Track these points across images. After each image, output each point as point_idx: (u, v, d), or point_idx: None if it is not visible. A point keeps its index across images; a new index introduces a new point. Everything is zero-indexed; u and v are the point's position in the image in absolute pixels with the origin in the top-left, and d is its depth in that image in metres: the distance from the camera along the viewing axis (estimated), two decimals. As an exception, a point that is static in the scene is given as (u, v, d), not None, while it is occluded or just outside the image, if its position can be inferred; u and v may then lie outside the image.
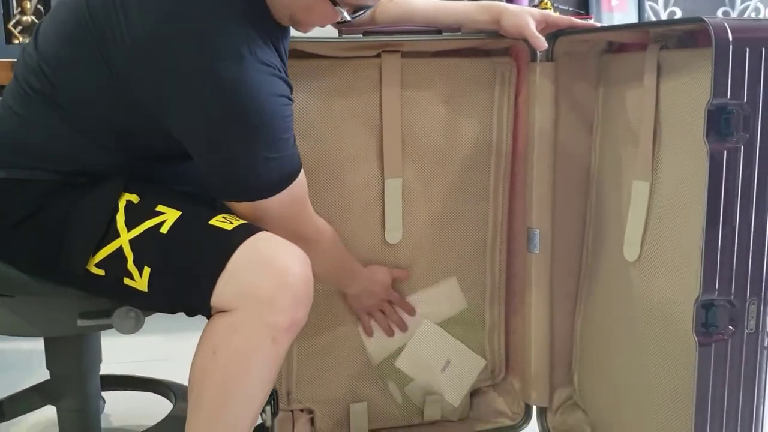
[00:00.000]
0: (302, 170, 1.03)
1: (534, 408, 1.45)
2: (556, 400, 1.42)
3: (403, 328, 1.38)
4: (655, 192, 1.14)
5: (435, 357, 1.41)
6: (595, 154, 1.32)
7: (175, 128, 0.96)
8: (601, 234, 1.31)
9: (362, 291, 1.31)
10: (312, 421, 1.38)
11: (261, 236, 0.96)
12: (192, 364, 0.96)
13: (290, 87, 0.99)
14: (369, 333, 1.37)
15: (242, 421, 0.95)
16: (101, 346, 1.29)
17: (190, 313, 1.00)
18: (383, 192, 1.30)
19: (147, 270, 0.96)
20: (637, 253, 1.17)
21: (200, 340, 0.96)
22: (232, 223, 0.97)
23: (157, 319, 1.10)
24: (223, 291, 0.93)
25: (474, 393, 1.47)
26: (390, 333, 1.38)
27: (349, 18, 1.01)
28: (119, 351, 1.57)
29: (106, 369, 1.32)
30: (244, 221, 0.98)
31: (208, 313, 0.96)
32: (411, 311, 1.38)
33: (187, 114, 0.94)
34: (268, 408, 1.13)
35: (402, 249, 1.35)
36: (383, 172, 1.30)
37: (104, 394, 1.42)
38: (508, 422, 1.46)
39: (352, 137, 1.27)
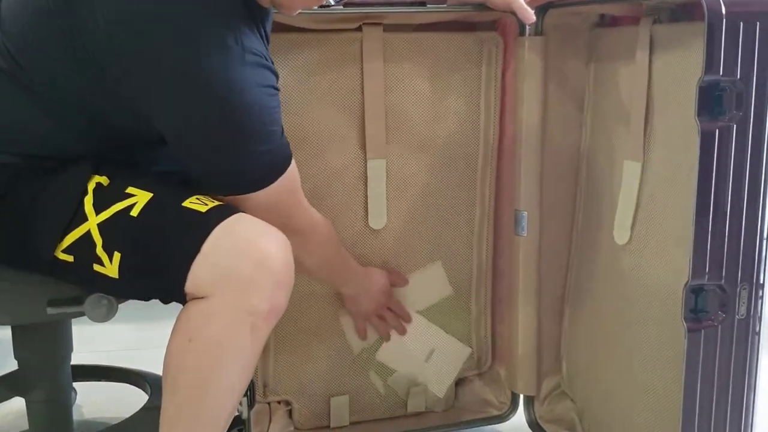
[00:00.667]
0: (293, 161, 1.02)
1: (521, 397, 1.44)
2: (545, 388, 1.41)
3: (403, 334, 1.38)
4: (646, 172, 1.13)
5: (419, 346, 1.40)
6: (585, 133, 1.31)
7: (158, 121, 0.94)
8: (590, 216, 1.30)
9: (359, 292, 1.30)
10: (290, 414, 1.37)
11: (238, 218, 0.94)
12: (166, 353, 0.93)
13: (276, 76, 0.98)
14: (363, 337, 1.36)
15: (220, 410, 0.94)
16: (72, 334, 1.27)
17: (165, 300, 0.97)
18: (366, 174, 1.28)
19: (117, 255, 0.93)
20: (627, 236, 1.17)
21: (174, 328, 0.93)
22: (206, 204, 0.95)
23: (131, 306, 1.08)
24: (198, 275, 0.91)
25: (459, 382, 1.46)
26: (388, 338, 1.37)
27: (333, 3, 1.02)
28: (91, 340, 1.57)
29: (77, 359, 1.30)
30: (220, 202, 0.96)
31: (182, 299, 0.94)
32: (410, 320, 1.38)
33: (171, 108, 0.92)
34: (244, 399, 1.12)
35: (387, 234, 1.33)
36: (365, 152, 1.27)
37: (76, 385, 1.40)
38: (494, 412, 1.45)
39: (333, 115, 1.25)
